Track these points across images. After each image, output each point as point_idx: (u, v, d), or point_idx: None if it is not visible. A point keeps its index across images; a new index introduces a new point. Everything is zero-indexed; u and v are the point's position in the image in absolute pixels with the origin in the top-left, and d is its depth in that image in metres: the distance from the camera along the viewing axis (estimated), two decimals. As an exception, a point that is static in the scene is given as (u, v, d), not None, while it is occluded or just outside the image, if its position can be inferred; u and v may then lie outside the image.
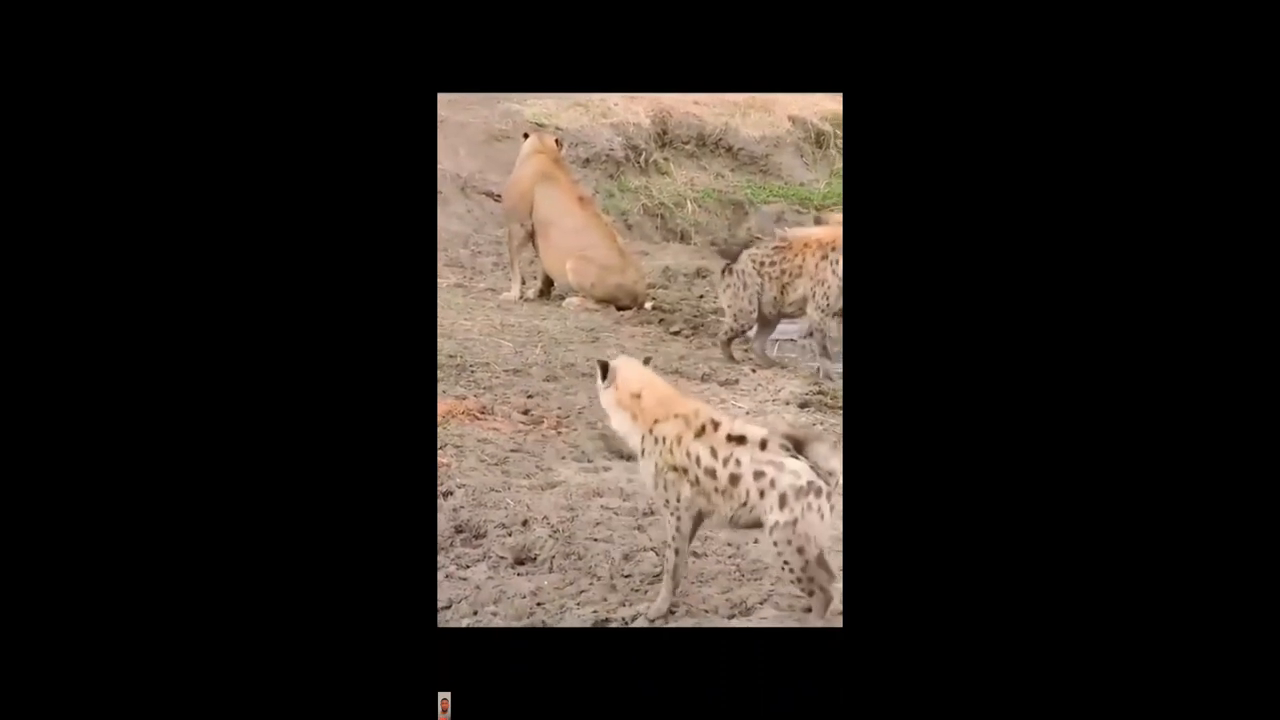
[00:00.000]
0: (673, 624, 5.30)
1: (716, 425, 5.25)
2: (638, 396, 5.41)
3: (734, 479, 5.16)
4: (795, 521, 5.06)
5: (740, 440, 5.17)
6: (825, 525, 5.07)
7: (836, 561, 5.17)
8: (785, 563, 5.14)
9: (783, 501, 5.08)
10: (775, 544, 5.13)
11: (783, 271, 8.79)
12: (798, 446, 5.11)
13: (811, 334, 8.98)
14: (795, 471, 5.08)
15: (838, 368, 8.60)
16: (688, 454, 5.26)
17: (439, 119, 10.00)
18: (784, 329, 9.32)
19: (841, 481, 5.02)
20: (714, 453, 5.21)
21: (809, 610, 5.19)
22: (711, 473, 5.20)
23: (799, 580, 5.14)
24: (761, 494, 5.11)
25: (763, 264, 8.83)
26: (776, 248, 8.90)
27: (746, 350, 9.00)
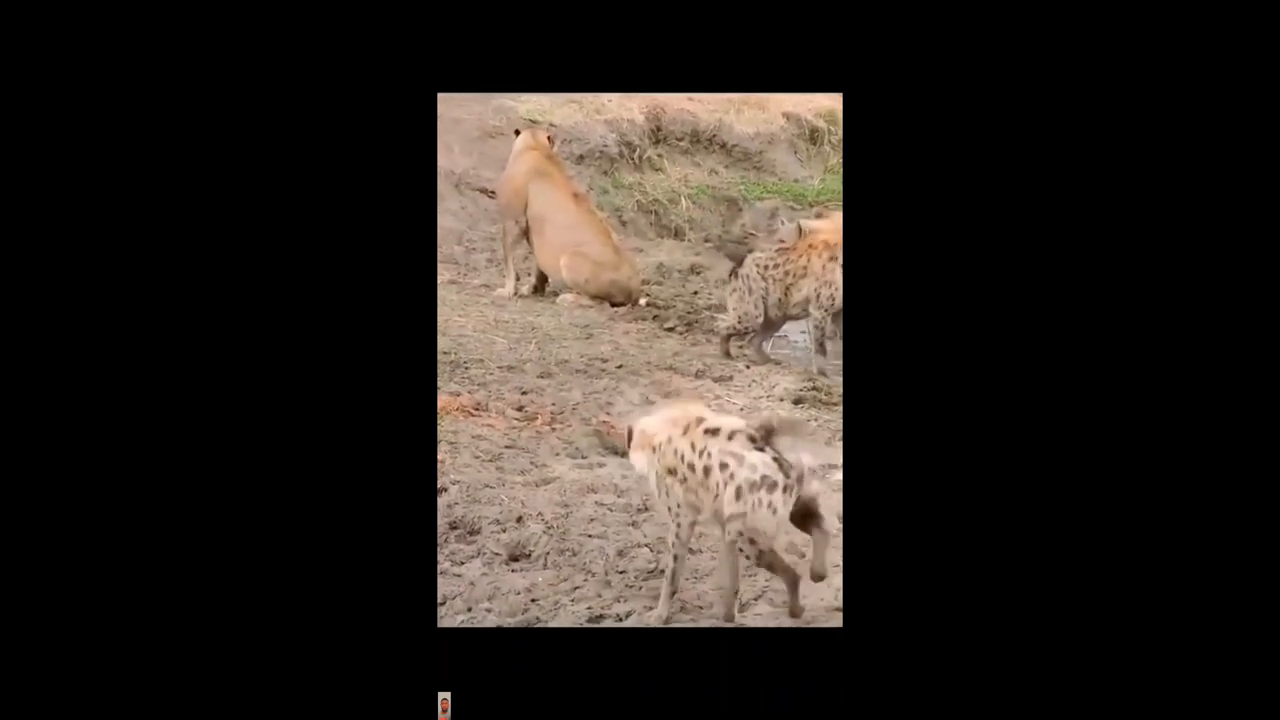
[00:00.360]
0: (671, 623, 5.30)
1: (700, 421, 5.26)
2: (644, 432, 5.45)
3: (706, 470, 5.17)
4: (745, 514, 5.06)
5: (714, 433, 5.19)
6: (776, 520, 5.06)
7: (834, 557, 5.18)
8: (740, 550, 5.18)
9: (739, 494, 5.08)
10: (728, 534, 5.14)
11: (786, 274, 8.76)
12: (766, 437, 5.10)
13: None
14: (753, 465, 5.08)
15: (833, 364, 8.60)
16: (675, 451, 5.28)
17: (432, 115, 9.98)
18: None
19: (806, 474, 5.03)
20: (693, 447, 5.23)
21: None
22: (692, 467, 5.22)
23: (759, 565, 5.17)
24: (725, 485, 5.12)
25: (766, 267, 8.80)
26: (780, 249, 8.89)
27: (742, 347, 8.99)
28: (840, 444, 7.27)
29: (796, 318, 8.95)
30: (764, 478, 5.06)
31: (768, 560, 5.13)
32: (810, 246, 8.73)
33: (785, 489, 5.05)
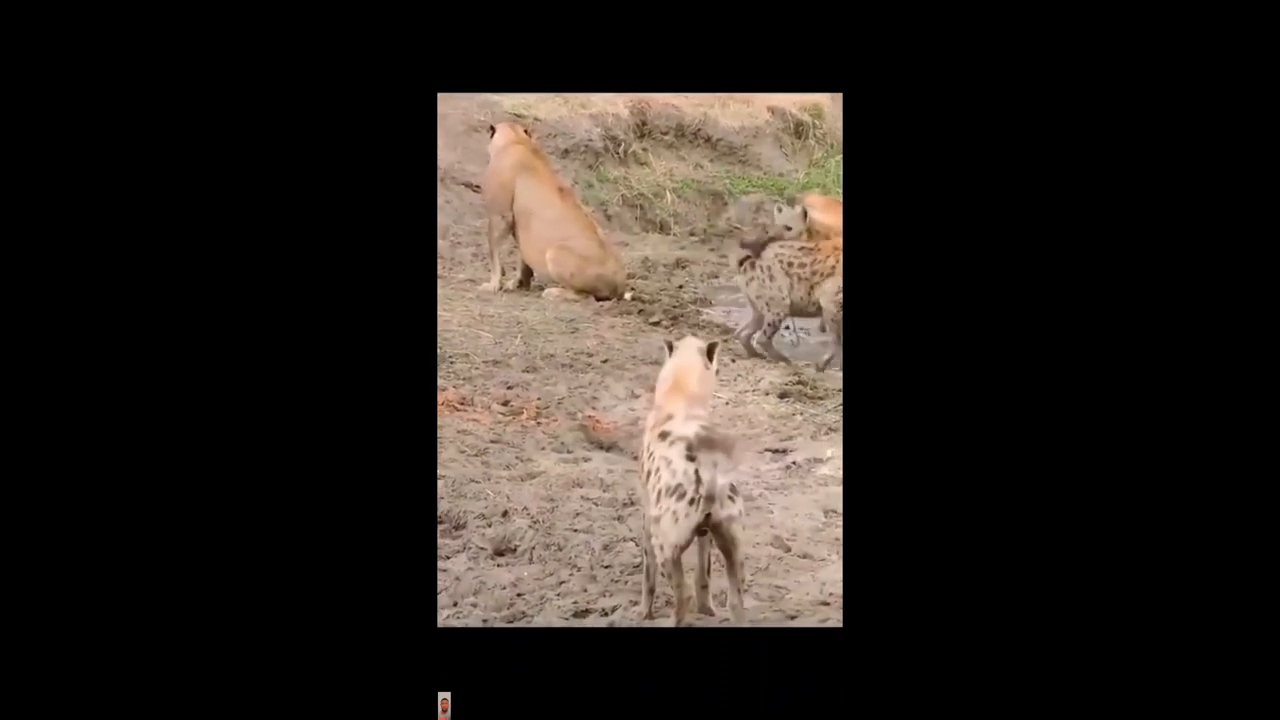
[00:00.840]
0: (655, 618, 5.30)
1: (669, 419, 5.20)
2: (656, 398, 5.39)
3: (648, 474, 5.13)
4: (660, 519, 5.03)
5: (665, 437, 5.13)
6: (678, 529, 4.98)
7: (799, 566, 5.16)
8: (648, 552, 5.18)
9: (658, 498, 5.05)
10: (650, 535, 5.13)
11: (813, 273, 8.67)
12: (695, 449, 4.99)
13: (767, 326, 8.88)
14: (674, 470, 5.00)
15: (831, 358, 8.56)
16: (645, 449, 5.24)
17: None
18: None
19: (718, 493, 4.92)
20: (647, 447, 5.20)
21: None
22: (643, 467, 5.21)
23: (662, 575, 5.14)
24: (654, 489, 5.09)
25: (790, 264, 8.72)
26: (803, 248, 8.79)
27: (726, 341, 8.98)
28: (827, 438, 7.30)
29: (809, 315, 8.88)
30: (678, 485, 4.99)
31: (668, 571, 5.07)
32: (836, 248, 8.62)
33: (691, 501, 4.96)
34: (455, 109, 11.60)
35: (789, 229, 9.02)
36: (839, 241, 8.60)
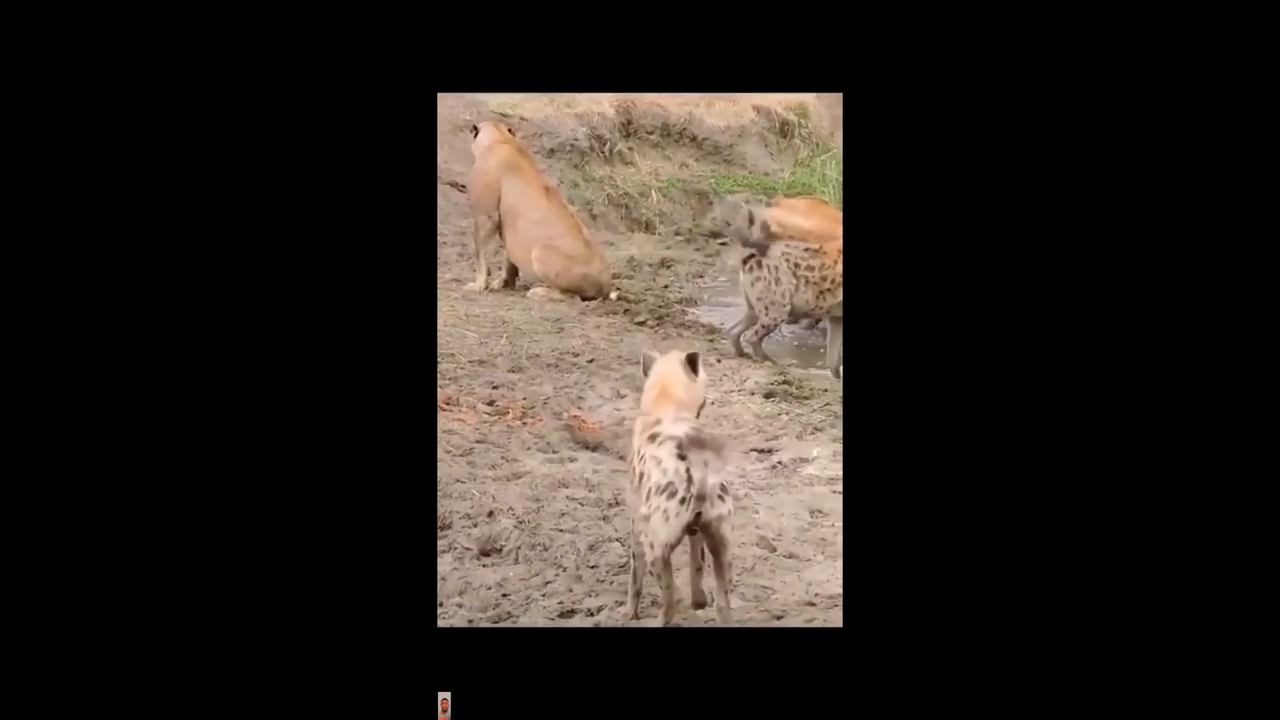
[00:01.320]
0: (640, 618, 5.29)
1: (657, 423, 5.19)
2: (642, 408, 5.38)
3: (642, 476, 5.13)
4: (650, 516, 5.03)
5: (654, 439, 5.12)
6: (668, 528, 4.98)
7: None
8: (636, 555, 5.18)
9: (648, 496, 5.05)
10: (637, 533, 5.13)
11: (822, 277, 8.60)
12: (685, 448, 4.99)
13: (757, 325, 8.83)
14: (664, 470, 5.00)
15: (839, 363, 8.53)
16: (635, 452, 5.24)
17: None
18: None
19: (710, 493, 4.93)
20: (638, 451, 5.19)
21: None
22: (633, 469, 5.20)
23: (650, 574, 5.13)
24: (645, 489, 5.09)
25: (798, 265, 8.64)
26: (808, 249, 8.71)
27: (713, 341, 8.98)
28: (813, 438, 7.31)
29: (814, 318, 8.82)
30: (668, 484, 4.99)
31: (658, 570, 5.07)
32: (840, 251, 8.54)
33: (682, 500, 4.96)
34: (440, 107, 11.58)
35: (750, 230, 8.86)
36: (841, 244, 8.56)
